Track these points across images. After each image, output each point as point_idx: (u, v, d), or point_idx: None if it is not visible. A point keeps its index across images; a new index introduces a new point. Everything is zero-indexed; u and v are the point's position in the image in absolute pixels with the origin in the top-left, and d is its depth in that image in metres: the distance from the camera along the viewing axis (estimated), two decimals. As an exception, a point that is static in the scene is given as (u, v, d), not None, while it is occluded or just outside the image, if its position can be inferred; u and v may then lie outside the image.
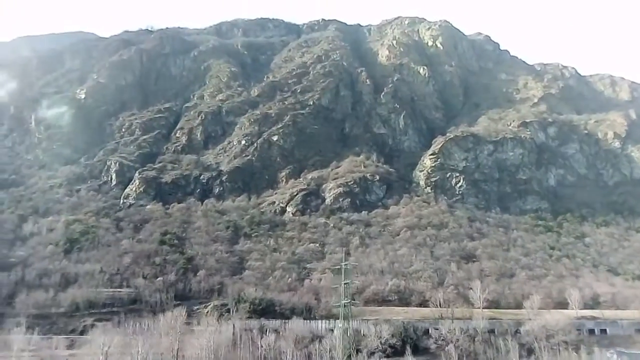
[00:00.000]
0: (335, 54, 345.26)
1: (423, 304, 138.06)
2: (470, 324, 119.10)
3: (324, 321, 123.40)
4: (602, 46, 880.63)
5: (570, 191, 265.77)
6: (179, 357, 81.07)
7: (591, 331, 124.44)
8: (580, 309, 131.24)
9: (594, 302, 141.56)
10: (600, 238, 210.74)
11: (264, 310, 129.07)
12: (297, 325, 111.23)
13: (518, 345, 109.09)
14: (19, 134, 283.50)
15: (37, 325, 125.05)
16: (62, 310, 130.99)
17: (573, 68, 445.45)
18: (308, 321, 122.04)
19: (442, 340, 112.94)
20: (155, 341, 68.35)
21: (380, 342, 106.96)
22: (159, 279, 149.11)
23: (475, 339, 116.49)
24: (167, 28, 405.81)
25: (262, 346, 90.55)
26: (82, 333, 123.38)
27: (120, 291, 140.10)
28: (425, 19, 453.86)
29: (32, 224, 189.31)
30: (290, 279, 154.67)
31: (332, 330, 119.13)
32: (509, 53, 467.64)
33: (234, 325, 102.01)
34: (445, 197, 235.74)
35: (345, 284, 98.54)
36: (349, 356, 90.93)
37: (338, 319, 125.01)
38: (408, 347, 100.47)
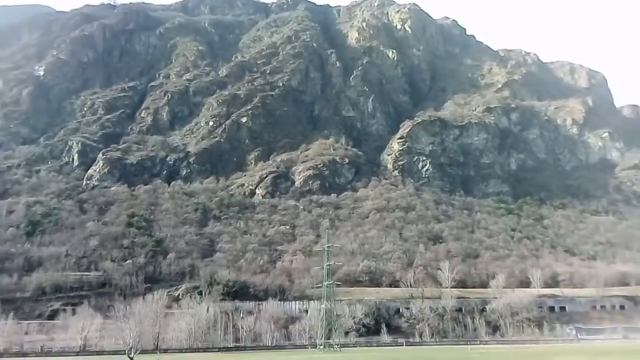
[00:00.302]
0: (305, 35, 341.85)
1: (393, 284, 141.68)
2: (440, 303, 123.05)
3: (297, 302, 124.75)
4: (562, 33, 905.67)
5: (530, 175, 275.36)
6: (160, 340, 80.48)
7: (551, 308, 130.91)
8: (542, 288, 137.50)
9: (553, 281, 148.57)
10: (558, 220, 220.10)
11: (237, 292, 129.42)
12: (272, 306, 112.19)
13: (485, 323, 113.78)
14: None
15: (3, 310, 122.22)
16: (27, 295, 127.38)
17: (535, 54, 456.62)
18: (282, 302, 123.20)
19: (414, 319, 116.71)
20: (134, 325, 67.79)
21: (354, 322, 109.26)
22: (127, 261, 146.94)
23: (444, 317, 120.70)
24: (130, 3, 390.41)
25: (242, 327, 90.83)
26: (50, 318, 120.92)
27: (88, 275, 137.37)
28: (394, 2, 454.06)
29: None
30: (262, 261, 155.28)
31: (307, 312, 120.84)
32: (474, 38, 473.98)
33: (209, 308, 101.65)
34: (412, 181, 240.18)
35: (327, 265, 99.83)
36: (329, 332, 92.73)
37: (312, 299, 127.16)
38: (384, 326, 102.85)
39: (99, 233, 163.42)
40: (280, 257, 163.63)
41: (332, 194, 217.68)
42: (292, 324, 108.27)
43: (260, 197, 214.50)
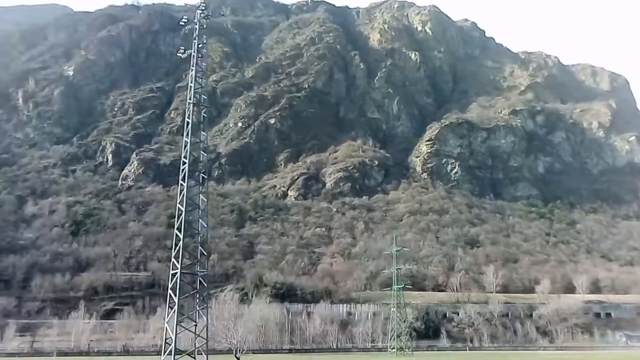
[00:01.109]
0: (328, 37, 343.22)
1: (435, 288, 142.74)
2: (486, 308, 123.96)
3: (345, 305, 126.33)
4: (582, 35, 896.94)
5: (558, 178, 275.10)
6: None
7: (597, 315, 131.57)
8: (587, 294, 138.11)
9: (595, 287, 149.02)
10: (590, 225, 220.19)
11: (285, 294, 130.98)
12: (321, 309, 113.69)
13: (535, 328, 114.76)
14: (5, 111, 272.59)
15: (56, 309, 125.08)
16: (80, 294, 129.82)
17: (556, 57, 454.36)
18: (330, 305, 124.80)
19: (462, 323, 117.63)
20: (240, 325, 70.03)
21: (406, 326, 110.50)
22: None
23: (492, 322, 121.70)
24: (154, 4, 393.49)
25: (305, 329, 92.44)
26: (104, 317, 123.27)
27: (137, 275, 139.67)
28: (414, 4, 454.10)
29: (31, 205, 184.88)
30: (302, 263, 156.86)
31: (351, 314, 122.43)
32: (494, 40, 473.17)
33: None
34: (442, 183, 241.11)
35: (397, 269, 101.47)
36: (399, 336, 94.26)
37: (358, 302, 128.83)
38: (443, 331, 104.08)
39: (142, 233, 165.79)
40: (319, 260, 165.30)
41: (364, 197, 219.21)
42: (343, 326, 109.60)
43: (293, 199, 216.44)
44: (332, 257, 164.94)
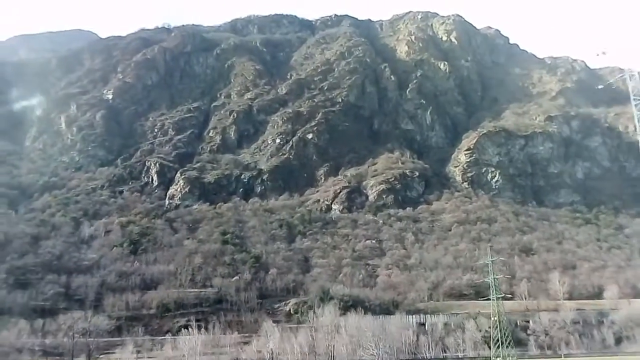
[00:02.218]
0: (357, 50, 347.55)
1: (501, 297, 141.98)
2: (557, 315, 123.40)
3: (414, 316, 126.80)
4: (608, 38, 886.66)
5: (598, 184, 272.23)
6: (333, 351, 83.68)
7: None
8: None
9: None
10: (638, 229, 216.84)
11: (352, 306, 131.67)
12: (397, 320, 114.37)
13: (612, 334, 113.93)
14: (49, 136, 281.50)
15: (129, 326, 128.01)
16: (152, 312, 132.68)
17: (582, 61, 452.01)
18: (405, 315, 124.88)
19: (536, 331, 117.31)
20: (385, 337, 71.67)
21: (482, 335, 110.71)
22: (235, 278, 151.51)
23: (565, 329, 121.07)
24: (183, 26, 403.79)
25: (404, 338, 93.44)
26: (176, 333, 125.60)
27: (204, 291, 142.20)
28: (437, 14, 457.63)
29: (88, 226, 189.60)
30: (361, 275, 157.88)
31: (423, 325, 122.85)
32: (518, 47, 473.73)
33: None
34: (483, 192, 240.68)
35: (494, 278, 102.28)
36: (498, 347, 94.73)
37: (426, 313, 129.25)
38: (531, 339, 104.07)
39: (199, 251, 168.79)
40: (375, 272, 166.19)
41: (408, 208, 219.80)
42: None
43: (338, 212, 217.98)
44: (388, 268, 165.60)
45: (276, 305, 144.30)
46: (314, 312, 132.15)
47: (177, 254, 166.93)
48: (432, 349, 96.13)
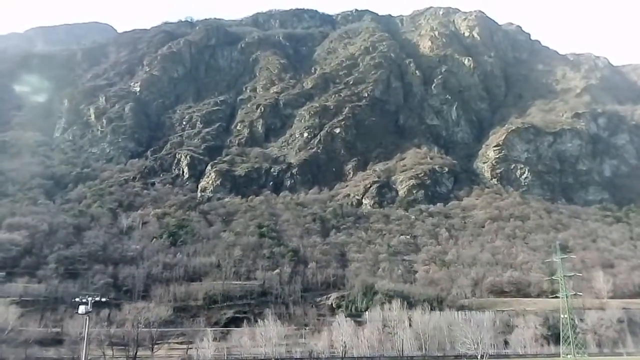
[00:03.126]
0: (382, 45, 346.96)
1: (541, 294, 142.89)
2: (604, 314, 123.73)
3: (459, 312, 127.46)
4: (630, 34, 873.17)
5: (626, 181, 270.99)
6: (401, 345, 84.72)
7: None
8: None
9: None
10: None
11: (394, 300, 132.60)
12: (448, 315, 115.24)
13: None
14: (78, 127, 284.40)
15: (177, 317, 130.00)
16: (199, 303, 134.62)
17: (605, 58, 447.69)
18: (440, 312, 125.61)
19: (584, 330, 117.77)
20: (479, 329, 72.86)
21: (534, 332, 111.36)
22: (276, 271, 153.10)
23: (611, 327, 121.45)
24: (206, 19, 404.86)
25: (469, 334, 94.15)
26: (226, 325, 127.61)
27: (248, 284, 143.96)
28: (458, 9, 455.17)
29: (125, 218, 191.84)
30: (400, 271, 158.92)
31: (470, 321, 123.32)
32: (540, 43, 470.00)
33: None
34: (512, 189, 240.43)
35: (566, 276, 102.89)
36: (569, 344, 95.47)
37: (471, 309, 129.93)
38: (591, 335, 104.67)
39: (237, 244, 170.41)
40: (412, 267, 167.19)
41: (438, 203, 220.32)
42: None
43: (369, 207, 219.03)
44: (425, 264, 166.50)
45: (318, 299, 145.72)
46: (362, 305, 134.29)
47: (216, 246, 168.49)
48: (495, 346, 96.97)
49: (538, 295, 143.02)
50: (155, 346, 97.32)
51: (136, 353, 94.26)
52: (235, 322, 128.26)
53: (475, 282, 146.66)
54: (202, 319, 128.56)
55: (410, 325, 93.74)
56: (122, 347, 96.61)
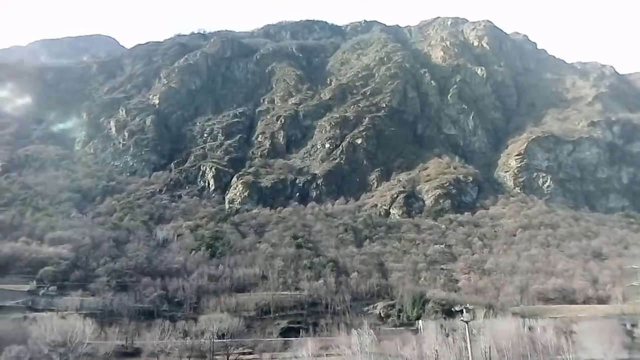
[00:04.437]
0: (396, 56, 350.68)
1: (587, 301, 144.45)
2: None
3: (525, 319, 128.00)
4: (635, 44, 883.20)
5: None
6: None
7: None
8: None
9: None
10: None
11: (449, 310, 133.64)
12: (506, 323, 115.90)
13: None
14: (99, 141, 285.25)
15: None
16: (252, 314, 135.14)
17: (611, 67, 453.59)
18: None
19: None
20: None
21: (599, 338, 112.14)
22: (320, 281, 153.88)
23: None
24: (219, 31, 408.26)
25: (540, 342, 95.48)
26: (282, 335, 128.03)
27: (298, 294, 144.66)
28: (466, 19, 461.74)
29: (159, 230, 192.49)
30: (442, 280, 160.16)
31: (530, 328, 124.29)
32: (546, 52, 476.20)
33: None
34: (535, 197, 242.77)
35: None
36: None
37: (523, 317, 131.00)
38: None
39: (276, 255, 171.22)
40: (451, 276, 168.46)
41: (466, 213, 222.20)
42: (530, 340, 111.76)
43: (398, 217, 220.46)
44: (464, 273, 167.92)
45: (365, 308, 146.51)
46: (412, 315, 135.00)
47: (255, 257, 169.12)
48: (570, 352, 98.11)
49: (584, 302, 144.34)
50: (230, 357, 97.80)
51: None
52: (289, 332, 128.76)
53: (521, 290, 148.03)
54: (256, 329, 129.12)
55: (480, 333, 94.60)
56: (199, 358, 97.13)
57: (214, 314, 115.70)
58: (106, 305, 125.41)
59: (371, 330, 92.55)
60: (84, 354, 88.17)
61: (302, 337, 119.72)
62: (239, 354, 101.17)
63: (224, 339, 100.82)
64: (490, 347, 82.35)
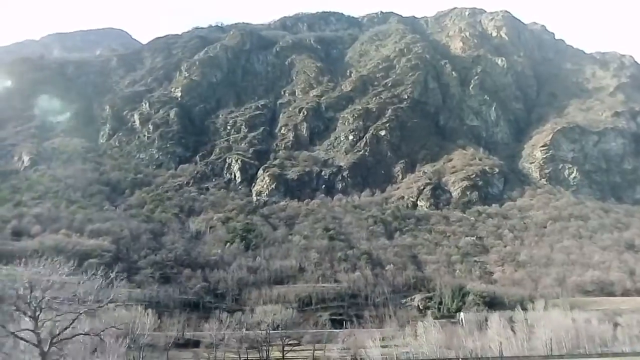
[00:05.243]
0: (416, 47, 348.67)
1: (625, 293, 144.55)
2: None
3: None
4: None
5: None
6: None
7: None
8: None
9: None
10: None
11: (491, 302, 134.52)
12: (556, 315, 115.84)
13: None
14: (124, 134, 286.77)
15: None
16: (294, 306, 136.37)
17: (631, 56, 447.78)
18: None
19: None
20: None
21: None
22: (356, 273, 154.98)
23: None
24: (236, 24, 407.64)
25: (587, 334, 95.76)
26: (323, 327, 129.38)
27: (338, 286, 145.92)
28: (484, 10, 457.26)
29: (191, 222, 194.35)
30: (478, 272, 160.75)
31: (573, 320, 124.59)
32: (564, 42, 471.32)
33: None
34: (562, 188, 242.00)
35: None
36: None
37: (564, 309, 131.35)
38: None
39: (310, 247, 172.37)
40: (485, 267, 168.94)
41: (494, 204, 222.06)
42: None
43: (426, 209, 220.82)
44: (498, 265, 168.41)
45: (403, 301, 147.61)
46: (452, 307, 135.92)
47: (290, 249, 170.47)
48: (626, 344, 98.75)
49: (622, 294, 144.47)
50: (286, 347, 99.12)
51: (268, 355, 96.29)
52: (332, 324, 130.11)
53: (559, 282, 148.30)
54: (298, 321, 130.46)
55: (531, 324, 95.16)
56: (254, 349, 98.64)
57: (262, 306, 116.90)
58: (152, 296, 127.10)
59: (436, 322, 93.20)
60: (146, 345, 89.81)
61: (346, 328, 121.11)
62: (289, 345, 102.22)
63: (278, 330, 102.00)
64: (551, 339, 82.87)
